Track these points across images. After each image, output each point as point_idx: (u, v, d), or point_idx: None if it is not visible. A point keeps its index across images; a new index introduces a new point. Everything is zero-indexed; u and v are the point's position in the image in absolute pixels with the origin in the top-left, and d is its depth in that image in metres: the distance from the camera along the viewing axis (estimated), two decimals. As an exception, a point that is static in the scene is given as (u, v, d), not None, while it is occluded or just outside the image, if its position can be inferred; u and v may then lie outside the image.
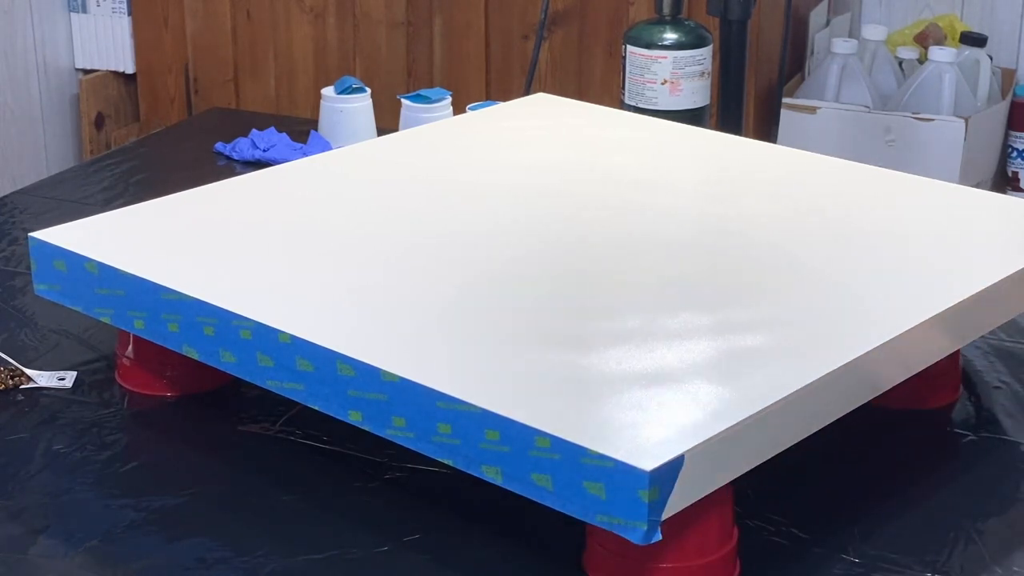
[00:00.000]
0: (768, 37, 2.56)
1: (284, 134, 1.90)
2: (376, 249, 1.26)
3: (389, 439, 1.05)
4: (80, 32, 2.99)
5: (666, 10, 2.01)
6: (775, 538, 1.06)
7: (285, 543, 1.06)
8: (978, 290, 1.17)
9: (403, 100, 1.89)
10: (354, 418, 1.07)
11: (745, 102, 2.08)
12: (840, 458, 1.17)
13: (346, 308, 1.15)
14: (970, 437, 1.20)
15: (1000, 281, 1.19)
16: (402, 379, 1.03)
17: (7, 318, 1.41)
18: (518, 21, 2.67)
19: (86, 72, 3.00)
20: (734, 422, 0.97)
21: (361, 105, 1.92)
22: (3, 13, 2.81)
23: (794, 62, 2.80)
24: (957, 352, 1.27)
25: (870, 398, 1.10)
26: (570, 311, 1.15)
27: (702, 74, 2.00)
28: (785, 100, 2.59)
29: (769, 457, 1.01)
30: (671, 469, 0.93)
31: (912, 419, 1.24)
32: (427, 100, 1.88)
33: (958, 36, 2.92)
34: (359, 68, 2.76)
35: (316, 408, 1.10)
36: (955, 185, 1.47)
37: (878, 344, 1.08)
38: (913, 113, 2.66)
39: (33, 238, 1.27)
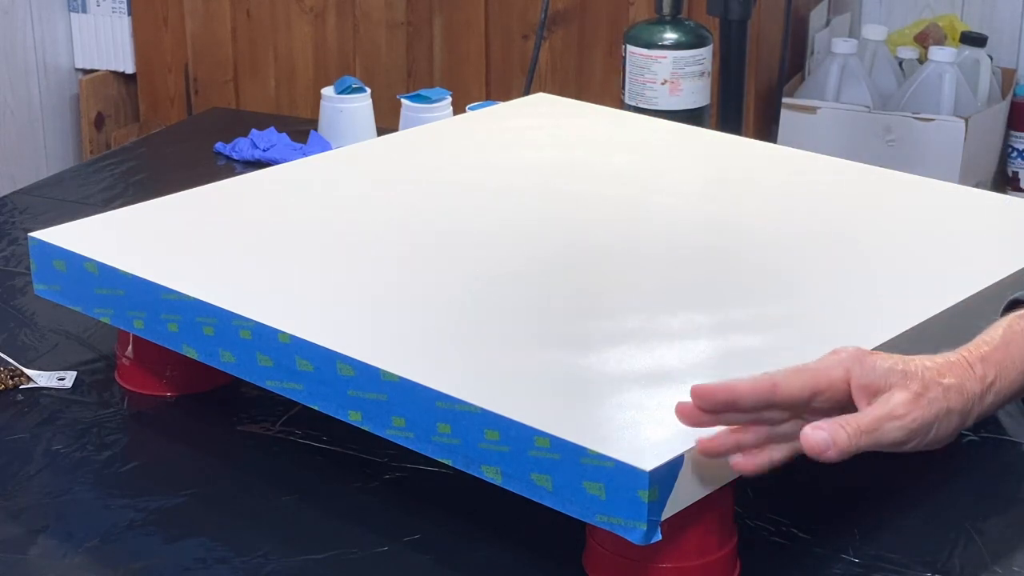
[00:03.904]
0: (768, 37, 2.56)
1: (284, 134, 1.90)
2: (376, 249, 1.26)
3: (389, 439, 1.05)
4: (80, 32, 2.99)
5: (666, 10, 2.01)
6: (775, 538, 1.06)
7: (285, 543, 1.06)
8: (978, 290, 1.17)
9: (403, 100, 1.89)
10: (354, 418, 1.07)
11: (745, 102, 2.08)
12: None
13: (346, 308, 1.15)
14: (970, 437, 1.20)
15: (1000, 281, 1.19)
16: (402, 379, 1.03)
17: (7, 318, 1.41)
18: (518, 21, 2.67)
19: (86, 72, 3.00)
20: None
21: (361, 105, 1.92)
22: (3, 13, 2.81)
23: (794, 62, 2.80)
24: (957, 352, 1.27)
25: (870, 398, 1.10)
26: (570, 311, 1.15)
27: (702, 74, 2.00)
28: (785, 100, 2.59)
29: (769, 457, 1.01)
30: (671, 469, 0.93)
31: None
32: (427, 100, 1.88)
33: (958, 36, 2.92)
34: (359, 68, 2.76)
35: (316, 408, 1.10)
36: (955, 185, 1.47)
37: (878, 344, 1.07)
38: (913, 113, 2.66)
39: (33, 238, 1.27)
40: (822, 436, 0.91)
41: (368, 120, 1.92)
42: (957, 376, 0.98)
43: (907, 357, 0.98)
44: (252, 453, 1.18)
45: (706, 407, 0.93)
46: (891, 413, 0.94)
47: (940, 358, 0.99)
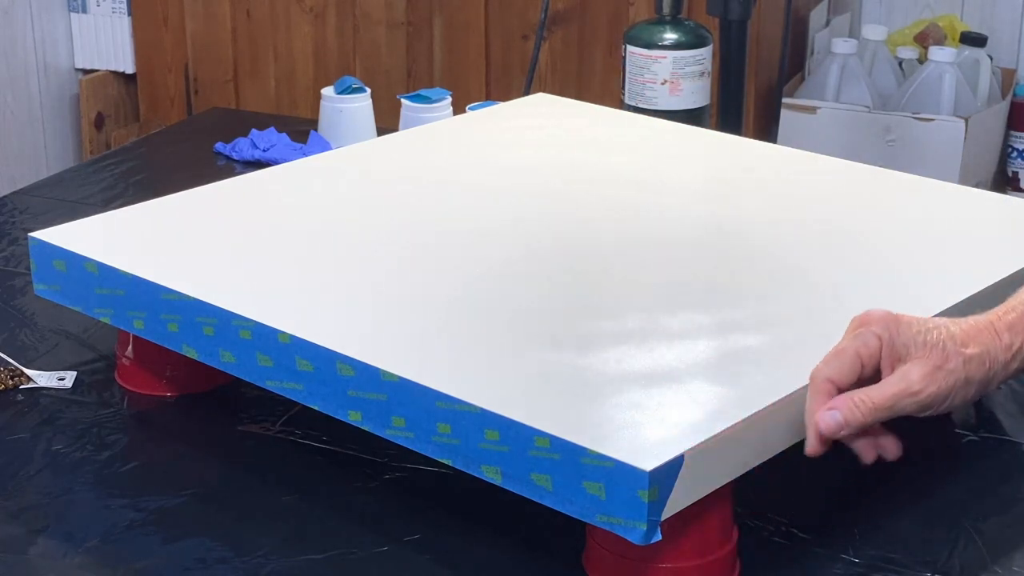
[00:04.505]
0: (768, 37, 2.56)
1: (284, 134, 1.90)
2: (376, 249, 1.26)
3: (389, 439, 1.05)
4: (80, 32, 2.99)
5: (666, 10, 2.01)
6: (775, 538, 1.06)
7: (285, 543, 1.06)
8: (978, 290, 1.17)
9: (403, 100, 1.89)
10: (354, 418, 1.07)
11: (745, 102, 2.08)
12: (840, 458, 1.17)
13: (346, 308, 1.15)
14: (970, 437, 1.20)
15: (1000, 281, 1.19)
16: (402, 379, 1.03)
17: (7, 318, 1.41)
18: (518, 21, 2.67)
19: (86, 72, 3.00)
20: (734, 422, 0.97)
21: (361, 105, 1.92)
22: (3, 13, 2.81)
23: (794, 62, 2.80)
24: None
25: (870, 398, 1.09)
26: (570, 311, 1.15)
27: (702, 74, 2.00)
28: (785, 100, 2.59)
29: (769, 457, 1.01)
30: (671, 469, 0.93)
31: (912, 419, 1.24)
32: (427, 100, 1.88)
33: (958, 36, 2.92)
34: (359, 68, 2.76)
35: (316, 408, 1.10)
36: (955, 185, 1.47)
37: (878, 344, 1.07)
38: (913, 113, 2.66)
39: (33, 238, 1.27)
40: (835, 418, 0.96)
41: (368, 120, 1.92)
42: (982, 344, 0.99)
43: (933, 322, 0.99)
44: (252, 453, 1.18)
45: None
46: (907, 390, 0.97)
47: (967, 323, 1.00)
